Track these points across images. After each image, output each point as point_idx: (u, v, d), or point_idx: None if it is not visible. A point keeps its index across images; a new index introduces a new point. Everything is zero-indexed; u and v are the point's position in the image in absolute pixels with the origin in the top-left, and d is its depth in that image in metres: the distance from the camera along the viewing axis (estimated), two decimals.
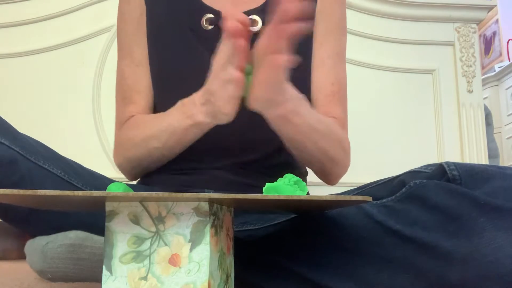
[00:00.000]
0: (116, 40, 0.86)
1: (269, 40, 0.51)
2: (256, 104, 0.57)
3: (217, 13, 0.77)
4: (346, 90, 0.81)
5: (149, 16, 0.81)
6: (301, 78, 0.78)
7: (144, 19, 0.81)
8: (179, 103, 0.67)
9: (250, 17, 0.77)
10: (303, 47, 0.79)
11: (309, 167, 0.77)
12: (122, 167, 0.79)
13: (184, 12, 0.78)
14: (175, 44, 0.78)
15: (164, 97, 0.78)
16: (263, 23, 0.77)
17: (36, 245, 0.68)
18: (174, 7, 0.79)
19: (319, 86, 0.78)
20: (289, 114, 0.61)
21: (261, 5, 0.78)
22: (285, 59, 0.51)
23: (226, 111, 0.57)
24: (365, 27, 1.62)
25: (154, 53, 0.80)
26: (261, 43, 0.54)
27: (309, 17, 0.76)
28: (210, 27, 0.77)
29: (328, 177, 0.76)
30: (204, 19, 0.77)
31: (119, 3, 0.84)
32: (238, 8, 0.78)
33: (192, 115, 0.62)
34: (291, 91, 0.61)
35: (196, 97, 0.62)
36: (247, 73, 0.55)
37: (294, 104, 0.61)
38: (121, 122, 0.80)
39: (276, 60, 0.51)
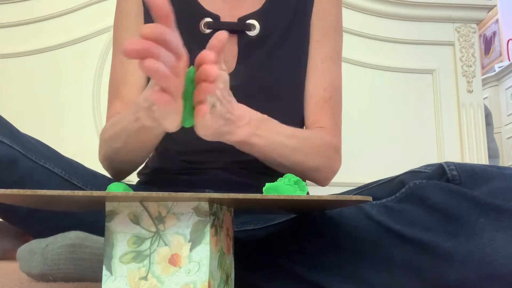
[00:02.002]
0: None
1: (195, 93, 0.50)
2: (205, 138, 0.57)
3: (215, 17, 0.77)
4: (340, 93, 0.81)
5: (146, 17, 0.81)
6: (295, 83, 0.78)
7: (141, 17, 0.81)
8: (133, 102, 0.63)
9: (247, 21, 0.77)
10: (297, 48, 0.79)
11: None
12: (102, 165, 0.78)
13: (182, 16, 0.78)
14: None
15: None
16: (261, 28, 0.77)
17: (34, 249, 0.68)
18: (172, 10, 0.79)
19: (311, 92, 0.78)
20: (247, 138, 0.61)
21: (259, 10, 0.78)
22: (205, 111, 0.51)
23: (165, 125, 0.53)
24: (365, 27, 1.62)
25: None
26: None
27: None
28: (208, 31, 0.77)
29: (315, 182, 0.77)
30: (202, 23, 0.77)
31: (117, 0, 0.83)
32: (236, 12, 0.78)
33: (139, 118, 0.58)
34: (248, 116, 0.61)
35: (141, 98, 0.56)
36: (185, 98, 0.52)
37: (252, 127, 0.61)
38: (107, 118, 0.79)
39: (202, 110, 0.50)
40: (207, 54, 0.48)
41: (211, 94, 0.51)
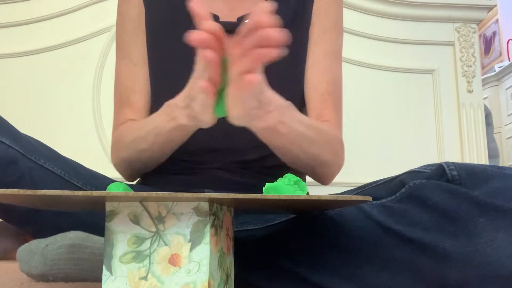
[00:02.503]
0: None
1: (243, 62, 0.49)
2: (235, 120, 0.56)
3: (215, 17, 0.77)
4: (341, 89, 0.81)
5: (147, 17, 0.81)
6: (294, 78, 0.78)
7: (143, 19, 0.81)
8: (165, 105, 0.67)
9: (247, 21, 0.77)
10: (297, 47, 0.79)
11: (300, 171, 0.76)
12: (117, 168, 0.80)
13: (181, 16, 0.78)
14: (172, 47, 0.78)
15: (160, 99, 0.78)
16: None
17: (34, 249, 0.68)
18: (171, 10, 0.79)
19: (314, 84, 0.78)
20: (274, 125, 0.60)
21: None
22: (258, 79, 0.50)
23: (204, 118, 0.56)
24: (365, 27, 1.62)
25: (151, 55, 0.80)
26: (235, 63, 0.52)
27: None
28: None
29: (321, 179, 0.77)
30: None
31: (118, 3, 0.84)
32: (235, 12, 0.78)
33: (175, 117, 0.62)
34: (276, 101, 0.60)
35: (178, 100, 0.61)
36: (222, 87, 0.54)
37: (279, 114, 0.60)
38: (117, 124, 0.80)
39: (249, 80, 0.49)
40: (263, 17, 0.47)
41: (269, 60, 0.49)
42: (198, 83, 0.51)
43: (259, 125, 0.60)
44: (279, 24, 0.47)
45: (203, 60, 0.50)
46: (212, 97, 0.53)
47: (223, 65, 0.52)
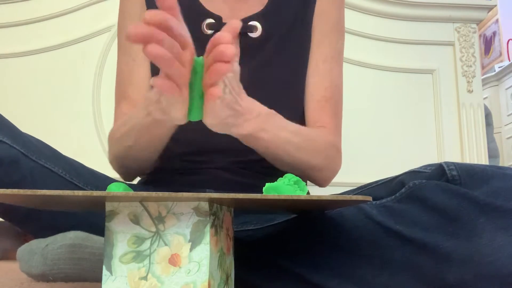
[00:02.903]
0: (116, 40, 0.86)
1: (206, 76, 0.49)
2: (211, 128, 0.56)
3: (217, 18, 0.77)
4: (341, 94, 0.81)
5: None
6: (296, 84, 0.78)
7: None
8: (144, 97, 0.64)
9: (250, 23, 0.77)
10: (299, 50, 0.79)
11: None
12: (112, 165, 0.78)
13: (184, 17, 0.78)
14: None
15: None
16: (263, 29, 0.77)
17: (34, 249, 0.68)
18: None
19: (312, 92, 0.78)
20: (255, 132, 0.61)
21: (261, 11, 0.78)
22: (218, 93, 0.49)
23: (173, 115, 0.53)
24: (365, 27, 1.62)
25: None
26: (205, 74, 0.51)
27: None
28: (210, 32, 0.76)
29: (315, 182, 0.77)
30: (204, 24, 0.77)
31: (120, 1, 0.84)
32: (238, 14, 0.78)
33: (150, 112, 0.58)
34: (257, 109, 0.61)
35: (152, 93, 0.57)
36: (192, 90, 0.51)
37: (260, 122, 0.61)
38: (115, 120, 0.80)
39: (211, 93, 0.49)
40: (222, 34, 0.47)
41: (225, 75, 0.49)
42: (151, 81, 0.49)
43: (238, 132, 0.60)
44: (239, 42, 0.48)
45: (149, 57, 0.45)
46: (176, 94, 0.50)
47: (195, 66, 0.50)
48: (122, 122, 0.72)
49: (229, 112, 0.55)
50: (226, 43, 0.47)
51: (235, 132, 0.60)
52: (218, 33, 0.48)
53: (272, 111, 0.64)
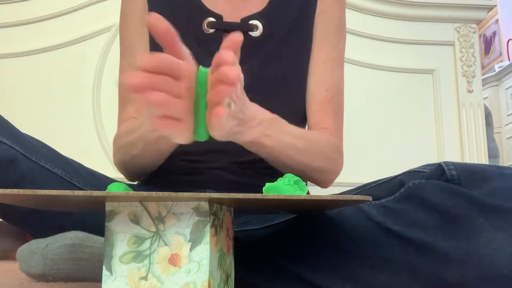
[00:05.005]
0: (116, 40, 0.86)
1: (210, 94, 0.48)
2: (217, 139, 0.55)
3: (218, 17, 0.77)
4: (342, 95, 0.81)
5: None
6: (297, 84, 0.78)
7: (146, 17, 0.81)
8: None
9: (250, 22, 0.77)
10: (300, 50, 0.79)
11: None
12: (117, 168, 0.79)
13: (185, 16, 0.78)
14: None
15: None
16: (264, 29, 0.77)
17: (34, 249, 0.68)
18: (175, 10, 0.79)
19: (314, 92, 0.78)
20: (258, 138, 0.61)
21: (262, 10, 0.78)
22: (223, 113, 0.47)
23: (178, 141, 0.52)
24: (365, 27, 1.62)
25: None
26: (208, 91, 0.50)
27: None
28: (211, 30, 0.77)
29: (316, 183, 0.77)
30: (205, 22, 0.77)
31: (122, 2, 0.83)
32: (239, 12, 0.78)
33: (156, 129, 0.59)
34: (260, 116, 0.61)
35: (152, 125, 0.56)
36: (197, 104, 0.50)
37: (263, 128, 0.61)
38: (120, 123, 0.80)
39: (215, 113, 0.47)
40: (225, 54, 0.46)
41: (229, 96, 0.48)
42: (148, 119, 0.47)
43: (242, 140, 0.60)
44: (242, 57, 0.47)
45: (150, 106, 0.44)
46: (178, 127, 0.49)
47: (199, 78, 0.49)
48: (128, 129, 0.72)
49: (234, 122, 0.55)
50: (229, 65, 0.46)
51: (239, 139, 0.60)
52: (222, 51, 0.46)
53: (275, 116, 0.64)
